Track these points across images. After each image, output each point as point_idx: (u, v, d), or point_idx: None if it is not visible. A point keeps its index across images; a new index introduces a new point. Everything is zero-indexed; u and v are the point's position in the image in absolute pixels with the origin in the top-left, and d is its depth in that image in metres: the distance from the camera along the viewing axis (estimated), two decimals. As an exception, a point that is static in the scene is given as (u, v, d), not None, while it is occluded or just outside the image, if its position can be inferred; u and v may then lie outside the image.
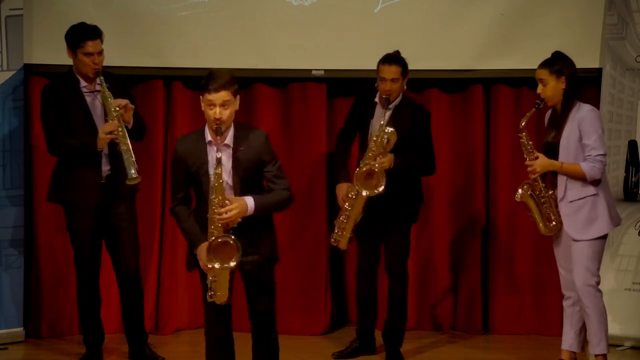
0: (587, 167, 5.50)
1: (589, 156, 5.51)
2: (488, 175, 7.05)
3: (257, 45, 6.59)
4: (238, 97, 4.95)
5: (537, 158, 5.57)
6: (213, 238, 4.84)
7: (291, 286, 6.96)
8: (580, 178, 5.52)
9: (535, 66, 6.75)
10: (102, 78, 5.81)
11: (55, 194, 6.05)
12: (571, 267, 5.63)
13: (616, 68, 6.64)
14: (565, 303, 5.76)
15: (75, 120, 5.89)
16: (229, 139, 4.93)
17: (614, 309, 6.26)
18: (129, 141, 5.78)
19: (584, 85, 6.65)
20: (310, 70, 6.85)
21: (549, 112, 5.70)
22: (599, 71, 6.71)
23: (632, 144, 6.54)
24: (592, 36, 6.68)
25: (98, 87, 5.88)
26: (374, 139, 5.94)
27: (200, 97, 4.92)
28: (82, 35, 5.88)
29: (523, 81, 6.90)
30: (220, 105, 4.84)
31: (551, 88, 5.58)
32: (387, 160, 5.95)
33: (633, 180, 6.54)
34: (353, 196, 5.95)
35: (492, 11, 6.79)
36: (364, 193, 5.91)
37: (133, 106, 5.84)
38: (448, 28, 6.81)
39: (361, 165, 5.95)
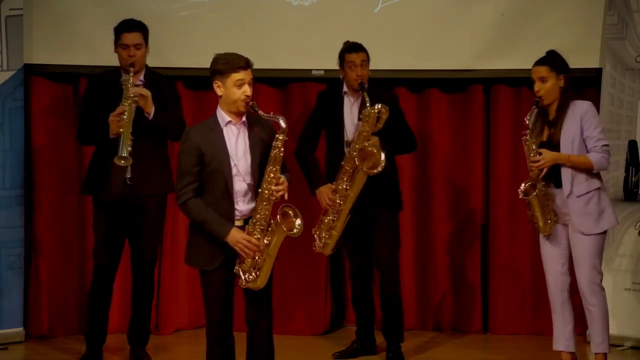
0: (596, 158, 5.46)
1: (595, 147, 5.47)
2: (488, 175, 7.06)
3: (257, 45, 6.59)
4: None
5: (540, 154, 5.51)
6: (283, 205, 4.81)
7: (291, 286, 6.97)
8: (587, 169, 5.48)
9: (535, 66, 6.76)
10: (132, 69, 5.80)
11: (85, 186, 6.06)
12: (565, 268, 5.62)
13: (616, 68, 6.64)
14: (554, 306, 5.71)
15: (111, 111, 5.78)
16: (244, 121, 4.91)
17: (614, 309, 6.26)
18: (130, 127, 5.68)
19: (584, 85, 6.67)
20: (310, 70, 6.86)
21: (529, 114, 5.63)
22: (599, 71, 6.71)
23: (632, 144, 6.54)
24: (592, 36, 6.68)
25: (138, 82, 5.87)
26: (366, 118, 5.89)
27: (219, 82, 4.81)
28: (119, 29, 5.94)
29: (523, 81, 6.89)
30: (248, 83, 4.83)
31: (551, 85, 5.53)
32: (376, 140, 5.89)
33: (633, 180, 6.54)
34: (346, 187, 5.90)
35: (492, 11, 6.79)
36: (365, 169, 5.83)
37: (149, 93, 5.77)
38: (448, 28, 6.82)
39: (356, 147, 5.87)
